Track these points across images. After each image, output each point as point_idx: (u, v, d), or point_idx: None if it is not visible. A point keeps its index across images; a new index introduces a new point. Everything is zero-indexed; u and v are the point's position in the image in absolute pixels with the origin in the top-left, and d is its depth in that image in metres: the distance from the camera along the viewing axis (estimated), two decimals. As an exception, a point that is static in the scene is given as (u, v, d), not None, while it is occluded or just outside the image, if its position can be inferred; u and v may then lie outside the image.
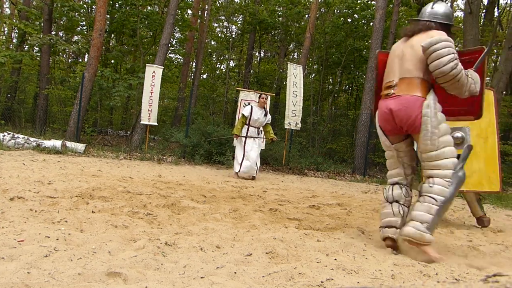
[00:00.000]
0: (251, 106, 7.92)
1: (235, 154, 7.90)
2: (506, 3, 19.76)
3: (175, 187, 5.20)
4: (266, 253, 2.51)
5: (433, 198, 2.77)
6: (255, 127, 7.82)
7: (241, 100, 9.87)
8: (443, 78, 2.79)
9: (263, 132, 7.99)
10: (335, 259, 2.50)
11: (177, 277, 1.99)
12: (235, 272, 2.10)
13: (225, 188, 5.85)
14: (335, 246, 2.90)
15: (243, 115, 7.89)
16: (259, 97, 8.08)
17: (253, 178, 7.64)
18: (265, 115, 7.88)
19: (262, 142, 8.12)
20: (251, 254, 2.47)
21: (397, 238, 2.97)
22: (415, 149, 3.11)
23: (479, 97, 3.13)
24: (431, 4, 3.15)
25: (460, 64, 2.78)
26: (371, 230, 3.71)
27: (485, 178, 4.16)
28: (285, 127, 10.25)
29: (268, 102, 10.03)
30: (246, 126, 7.80)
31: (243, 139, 7.80)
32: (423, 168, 2.97)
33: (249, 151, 7.70)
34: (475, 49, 3.27)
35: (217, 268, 2.16)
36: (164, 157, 9.65)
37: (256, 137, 7.80)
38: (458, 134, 4.26)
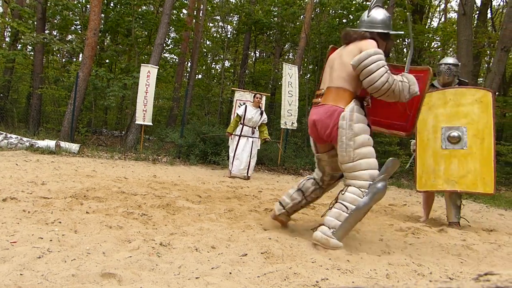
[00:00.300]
0: (246, 105, 7.93)
1: (229, 153, 7.91)
2: (499, 4, 19.92)
3: (170, 188, 5.18)
4: (261, 253, 2.50)
5: (345, 206, 2.79)
6: (250, 127, 7.81)
7: (236, 100, 9.86)
8: (377, 93, 2.80)
9: (258, 132, 7.98)
10: (330, 259, 2.51)
11: (172, 277, 1.99)
12: (230, 273, 2.10)
13: (220, 188, 5.84)
14: (330, 246, 2.91)
15: (237, 114, 7.91)
16: (254, 96, 8.08)
17: (247, 178, 7.65)
18: (261, 114, 7.87)
19: (258, 141, 8.14)
20: (246, 254, 2.46)
21: (278, 217, 3.35)
22: None
23: (414, 116, 3.23)
24: (367, 12, 3.12)
25: (391, 75, 2.77)
26: (366, 229, 3.73)
27: (479, 179, 4.15)
28: (281, 126, 10.26)
29: (264, 102, 10.02)
30: (241, 126, 7.81)
31: (236, 138, 7.81)
32: (344, 177, 3.00)
33: (240, 151, 7.71)
34: (422, 69, 3.33)
35: (212, 268, 2.15)
36: (159, 157, 9.62)
37: (249, 136, 7.79)
38: (455, 133, 4.26)
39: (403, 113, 3.27)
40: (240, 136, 7.79)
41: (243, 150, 7.71)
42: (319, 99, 3.05)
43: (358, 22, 3.17)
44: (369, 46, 2.83)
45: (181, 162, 9.36)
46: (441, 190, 4.42)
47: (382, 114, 3.32)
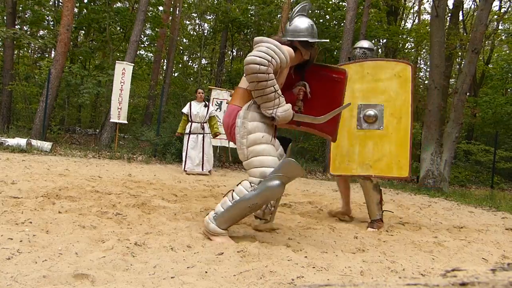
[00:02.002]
0: (190, 102, 7.93)
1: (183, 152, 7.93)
2: (470, 7, 20.51)
3: (145, 186, 5.12)
4: (237, 252, 2.50)
5: (232, 196, 2.89)
6: (198, 122, 7.77)
7: (213, 98, 9.82)
8: (253, 94, 2.82)
9: (208, 127, 7.91)
10: (306, 257, 2.53)
11: (147, 277, 1.96)
12: (206, 272, 2.09)
13: (197, 187, 5.81)
14: (305, 244, 2.94)
15: (183, 113, 7.93)
16: (196, 91, 8.06)
17: (207, 173, 7.66)
18: (206, 107, 7.82)
19: (210, 137, 8.01)
20: (222, 253, 2.46)
21: (259, 227, 3.35)
22: None
23: (335, 121, 3.35)
24: (289, 21, 3.18)
25: (269, 85, 2.71)
26: (341, 227, 3.78)
27: (394, 163, 3.85)
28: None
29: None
30: (190, 123, 7.79)
31: (186, 136, 7.80)
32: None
33: (190, 149, 7.70)
34: (339, 70, 3.36)
35: (187, 267, 2.14)
36: (135, 156, 9.49)
37: (199, 133, 7.74)
38: (371, 112, 3.92)
39: (334, 118, 3.28)
40: (189, 133, 7.77)
41: (193, 147, 7.71)
42: (229, 98, 3.13)
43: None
44: (260, 48, 2.81)
45: (157, 161, 9.26)
46: (355, 175, 4.06)
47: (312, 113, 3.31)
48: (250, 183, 2.85)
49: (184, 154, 7.77)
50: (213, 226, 2.83)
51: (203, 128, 7.81)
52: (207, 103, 7.95)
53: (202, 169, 7.73)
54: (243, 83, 2.99)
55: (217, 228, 2.83)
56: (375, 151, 3.92)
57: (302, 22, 3.10)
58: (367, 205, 4.06)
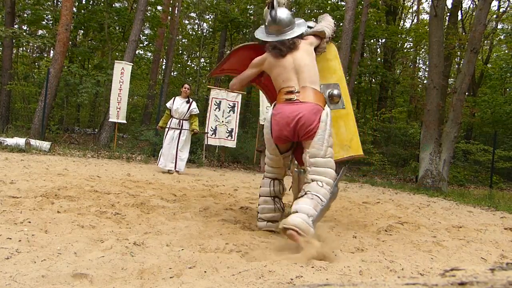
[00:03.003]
0: (174, 97, 7.78)
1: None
2: (469, 7, 20.52)
3: (144, 186, 5.12)
4: (237, 252, 2.50)
5: (320, 199, 2.81)
6: (177, 118, 7.60)
7: (212, 98, 9.83)
8: None
9: (187, 124, 7.71)
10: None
11: (146, 277, 1.96)
12: (205, 271, 2.09)
13: (196, 186, 5.81)
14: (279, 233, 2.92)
15: (166, 106, 7.79)
16: (182, 87, 7.90)
17: (176, 172, 7.47)
18: (188, 104, 7.62)
19: (188, 133, 7.79)
20: (221, 253, 2.46)
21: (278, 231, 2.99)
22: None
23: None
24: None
25: None
26: (340, 227, 3.78)
27: (356, 141, 3.86)
28: (261, 122, 10.24)
29: (240, 100, 10.02)
30: (171, 118, 7.65)
31: (165, 131, 7.64)
32: (309, 174, 2.97)
33: (166, 144, 7.54)
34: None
35: (186, 267, 2.14)
36: (134, 156, 9.48)
37: (176, 128, 7.57)
38: (335, 91, 3.82)
39: None
40: (168, 128, 7.63)
41: (169, 143, 7.54)
42: (293, 96, 3.09)
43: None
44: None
45: (156, 161, 9.25)
46: (339, 159, 3.82)
47: None
48: (326, 184, 2.86)
49: (161, 150, 7.62)
50: (313, 231, 2.66)
51: (180, 125, 7.59)
52: (190, 99, 7.74)
53: (175, 168, 7.49)
54: (312, 83, 3.12)
55: (314, 232, 2.69)
56: (347, 131, 3.88)
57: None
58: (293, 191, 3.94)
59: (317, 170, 2.93)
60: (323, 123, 2.96)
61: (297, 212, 2.71)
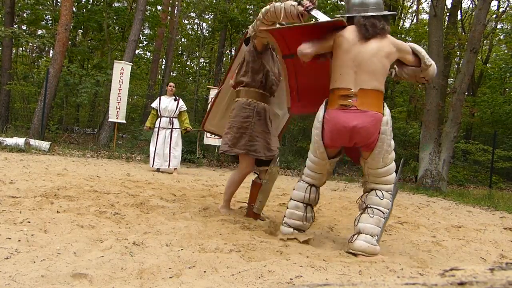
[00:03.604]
0: (160, 96, 7.83)
1: (150, 148, 7.75)
2: (469, 7, 20.53)
3: (144, 186, 5.11)
4: (236, 251, 2.50)
5: (381, 211, 2.74)
6: (166, 117, 7.63)
7: (212, 98, 9.82)
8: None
9: (177, 122, 7.77)
10: (305, 257, 2.53)
11: (145, 277, 1.96)
12: (205, 271, 2.09)
13: (195, 186, 5.80)
14: (304, 243, 2.93)
15: (152, 107, 7.81)
16: (167, 85, 7.93)
17: (172, 171, 7.48)
18: (176, 101, 7.68)
19: (179, 132, 7.83)
20: (221, 253, 2.46)
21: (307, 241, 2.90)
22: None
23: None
24: None
25: None
26: (340, 227, 3.78)
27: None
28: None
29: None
30: (159, 118, 7.66)
31: (155, 131, 7.65)
32: (368, 181, 2.87)
33: (160, 144, 7.55)
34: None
35: (186, 267, 2.14)
36: (133, 156, 9.48)
37: (167, 128, 7.60)
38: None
39: None
40: (158, 128, 7.64)
41: (163, 143, 7.56)
42: (350, 101, 2.67)
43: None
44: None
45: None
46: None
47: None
48: (387, 192, 2.75)
49: (152, 151, 7.59)
50: (379, 249, 2.68)
51: (171, 123, 7.65)
52: (177, 97, 7.80)
53: (169, 166, 7.52)
54: (377, 83, 2.68)
55: (379, 249, 2.70)
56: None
57: None
58: (266, 197, 3.78)
59: (376, 179, 2.79)
60: (383, 135, 2.66)
61: (361, 233, 2.72)
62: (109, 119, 9.99)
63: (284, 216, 3.04)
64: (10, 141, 8.09)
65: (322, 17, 2.80)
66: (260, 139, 3.54)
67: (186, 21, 23.48)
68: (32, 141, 8.45)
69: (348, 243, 2.76)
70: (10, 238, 2.32)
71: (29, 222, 2.78)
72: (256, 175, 3.85)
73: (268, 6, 2.97)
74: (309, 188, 2.97)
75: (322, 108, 2.85)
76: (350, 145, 2.79)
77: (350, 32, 2.72)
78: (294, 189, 3.06)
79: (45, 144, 8.52)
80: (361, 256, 2.63)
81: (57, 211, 3.18)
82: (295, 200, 3.01)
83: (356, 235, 2.75)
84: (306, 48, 2.71)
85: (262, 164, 3.73)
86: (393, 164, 2.81)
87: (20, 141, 8.17)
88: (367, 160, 2.77)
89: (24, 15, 15.55)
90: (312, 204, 3.02)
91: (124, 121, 10.17)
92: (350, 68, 2.67)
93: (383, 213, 2.73)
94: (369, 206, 2.77)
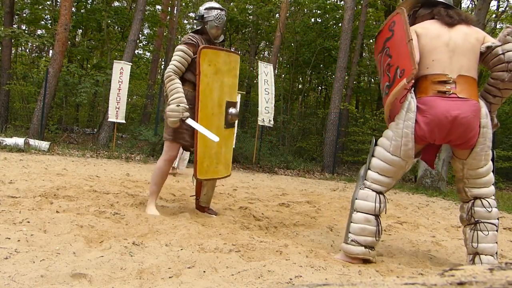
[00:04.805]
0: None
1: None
2: (468, 7, 20.53)
3: (143, 186, 5.11)
4: (236, 251, 2.50)
5: (494, 224, 2.50)
6: None
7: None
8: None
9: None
10: (304, 257, 2.53)
11: (145, 277, 1.96)
12: (204, 271, 2.09)
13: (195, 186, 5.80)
14: (304, 244, 2.94)
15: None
16: None
17: (177, 169, 7.34)
18: None
19: None
20: (220, 252, 2.46)
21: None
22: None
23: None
24: None
25: None
26: (339, 227, 3.78)
27: (229, 160, 3.80)
28: (259, 123, 10.23)
29: (239, 100, 9.99)
30: None
31: None
32: (467, 186, 2.58)
33: None
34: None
35: (185, 267, 2.14)
36: (133, 156, 9.47)
37: None
38: (233, 110, 3.63)
39: None
40: None
41: None
42: (448, 86, 2.39)
43: None
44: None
45: (155, 161, 9.24)
46: (220, 178, 3.83)
47: None
48: (491, 197, 2.53)
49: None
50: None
51: None
52: None
53: (178, 167, 7.37)
54: (473, 72, 2.46)
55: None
56: (232, 149, 3.89)
57: None
58: (211, 189, 3.89)
59: (477, 182, 2.52)
60: (484, 129, 2.41)
61: (482, 254, 2.51)
62: (109, 119, 9.98)
63: (349, 233, 2.59)
64: (10, 141, 8.09)
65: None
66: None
67: (185, 21, 23.47)
68: (32, 141, 8.44)
69: None
70: (9, 238, 2.32)
71: (28, 222, 2.77)
72: None
73: None
74: (378, 197, 2.55)
75: (410, 97, 2.45)
76: (443, 142, 2.49)
77: (429, 23, 2.56)
78: (357, 199, 2.60)
79: (44, 144, 8.51)
80: None
81: (57, 211, 3.18)
82: (363, 213, 2.55)
83: (472, 256, 2.53)
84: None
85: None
86: (491, 163, 2.55)
87: (20, 141, 8.16)
88: (466, 160, 2.49)
89: (24, 15, 15.55)
90: (379, 215, 2.59)
91: (124, 121, 10.16)
92: (445, 53, 2.43)
93: (496, 226, 2.50)
94: (479, 221, 2.51)
